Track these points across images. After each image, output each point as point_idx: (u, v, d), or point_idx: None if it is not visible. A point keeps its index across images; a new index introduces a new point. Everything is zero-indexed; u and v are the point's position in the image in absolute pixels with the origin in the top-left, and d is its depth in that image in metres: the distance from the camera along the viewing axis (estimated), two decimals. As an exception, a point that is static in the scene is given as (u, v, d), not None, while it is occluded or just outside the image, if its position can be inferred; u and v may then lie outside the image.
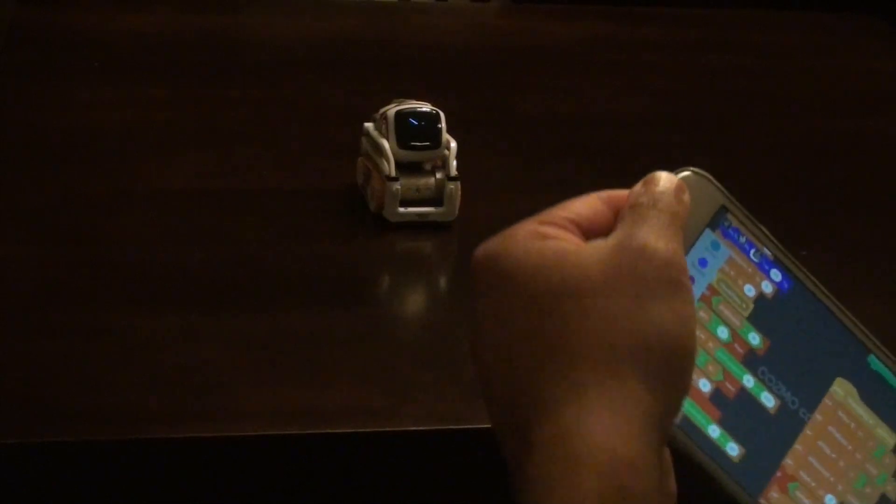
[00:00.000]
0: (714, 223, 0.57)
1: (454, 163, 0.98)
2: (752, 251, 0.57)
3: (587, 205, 0.55)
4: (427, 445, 0.77)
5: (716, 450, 0.55)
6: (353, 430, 0.76)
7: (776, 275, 0.57)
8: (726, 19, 1.64)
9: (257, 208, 1.01)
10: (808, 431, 0.57)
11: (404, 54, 1.41)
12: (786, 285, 0.57)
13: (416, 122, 0.98)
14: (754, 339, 0.56)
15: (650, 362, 0.49)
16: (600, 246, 0.52)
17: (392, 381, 0.81)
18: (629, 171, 1.22)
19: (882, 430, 0.58)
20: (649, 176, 0.55)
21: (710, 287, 0.56)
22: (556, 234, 0.53)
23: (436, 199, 0.99)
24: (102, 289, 0.88)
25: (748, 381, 0.56)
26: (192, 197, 1.02)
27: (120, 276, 0.90)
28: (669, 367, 0.50)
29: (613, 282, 0.50)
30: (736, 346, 0.56)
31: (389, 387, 0.80)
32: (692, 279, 0.55)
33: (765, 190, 1.13)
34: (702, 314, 0.56)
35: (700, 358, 0.55)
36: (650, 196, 0.53)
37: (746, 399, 0.56)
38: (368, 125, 1.01)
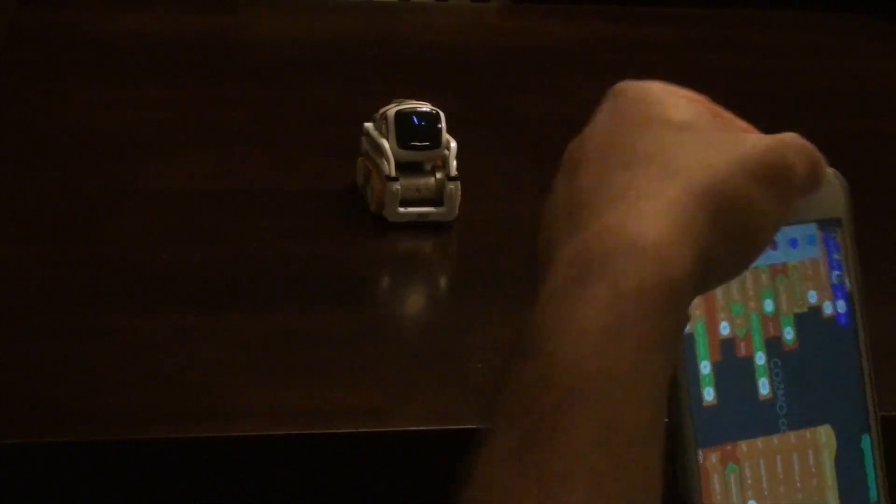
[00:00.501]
0: (823, 225, 0.57)
1: (454, 163, 0.98)
2: (836, 273, 0.58)
3: (733, 115, 0.56)
4: (427, 445, 0.77)
5: (695, 384, 0.54)
6: (353, 430, 0.76)
7: (841, 306, 0.58)
8: (726, 19, 1.64)
9: (257, 208, 1.01)
10: (775, 439, 0.56)
11: (404, 54, 1.41)
12: (843, 320, 0.58)
13: (416, 122, 0.98)
14: (788, 333, 0.56)
15: (726, 219, 0.49)
16: (731, 123, 0.54)
17: (392, 381, 0.81)
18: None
19: (832, 496, 0.57)
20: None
21: (784, 265, 0.56)
22: (700, 99, 0.54)
23: (436, 199, 0.99)
24: (102, 289, 0.88)
25: (759, 358, 0.56)
26: (192, 197, 1.02)
27: (120, 276, 0.90)
28: (739, 237, 0.50)
29: (729, 146, 0.51)
30: (770, 326, 0.56)
31: (389, 387, 0.80)
32: (776, 245, 0.55)
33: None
34: (764, 277, 0.56)
35: (738, 307, 0.55)
36: (797, 135, 0.54)
37: (747, 371, 0.56)
38: (368, 125, 1.01)
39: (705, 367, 0.55)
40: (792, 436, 0.57)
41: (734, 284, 0.55)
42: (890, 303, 0.95)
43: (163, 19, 1.43)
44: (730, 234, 0.49)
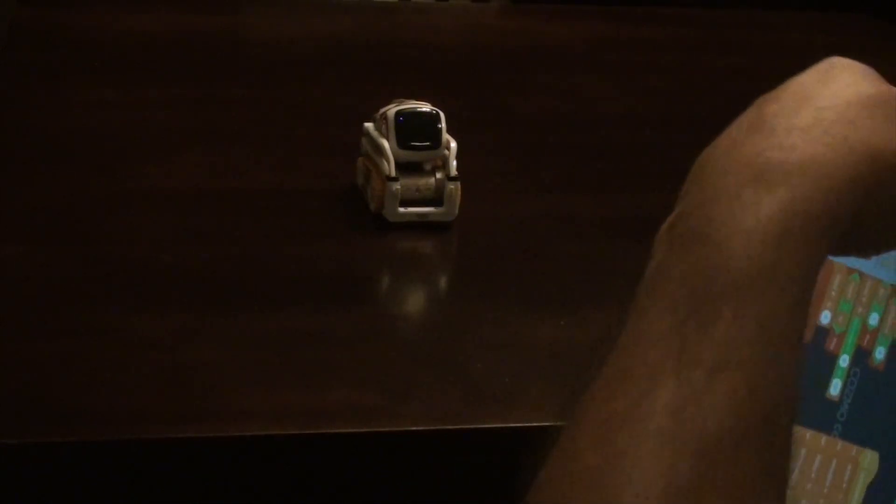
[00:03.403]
0: None
1: (454, 163, 0.98)
2: None
3: None
4: (427, 445, 0.77)
5: None
6: (353, 430, 0.76)
7: None
8: (726, 19, 1.64)
9: (257, 208, 1.01)
10: (823, 440, 0.57)
11: (404, 54, 1.41)
12: None
13: (416, 123, 0.98)
14: (880, 353, 0.57)
15: (885, 194, 0.50)
16: None
17: (392, 381, 0.81)
18: (629, 172, 1.23)
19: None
20: None
21: None
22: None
23: (436, 199, 0.99)
24: (102, 289, 0.88)
25: (843, 361, 0.56)
26: (192, 197, 1.02)
27: (120, 276, 0.90)
28: (888, 215, 0.51)
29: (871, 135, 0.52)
30: (867, 338, 0.56)
31: (389, 387, 0.80)
32: None
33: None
34: (880, 291, 0.56)
35: (846, 305, 0.55)
36: None
37: (827, 365, 0.56)
38: (368, 125, 1.01)
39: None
40: (839, 443, 0.57)
41: (852, 284, 0.55)
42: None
43: (163, 19, 1.43)
44: (888, 208, 0.50)
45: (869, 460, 0.57)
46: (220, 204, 1.02)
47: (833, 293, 0.55)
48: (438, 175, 0.99)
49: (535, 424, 0.76)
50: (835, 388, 0.56)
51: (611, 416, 0.44)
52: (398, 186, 0.97)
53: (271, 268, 0.93)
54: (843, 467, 0.57)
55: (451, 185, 0.98)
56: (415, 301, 0.94)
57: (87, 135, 1.12)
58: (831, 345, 0.55)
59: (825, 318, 0.55)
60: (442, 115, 0.98)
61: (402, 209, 0.98)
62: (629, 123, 1.26)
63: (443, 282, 0.98)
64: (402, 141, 0.97)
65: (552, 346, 0.84)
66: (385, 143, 0.97)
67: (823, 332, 0.55)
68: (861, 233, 0.50)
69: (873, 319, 0.56)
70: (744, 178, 0.49)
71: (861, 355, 0.56)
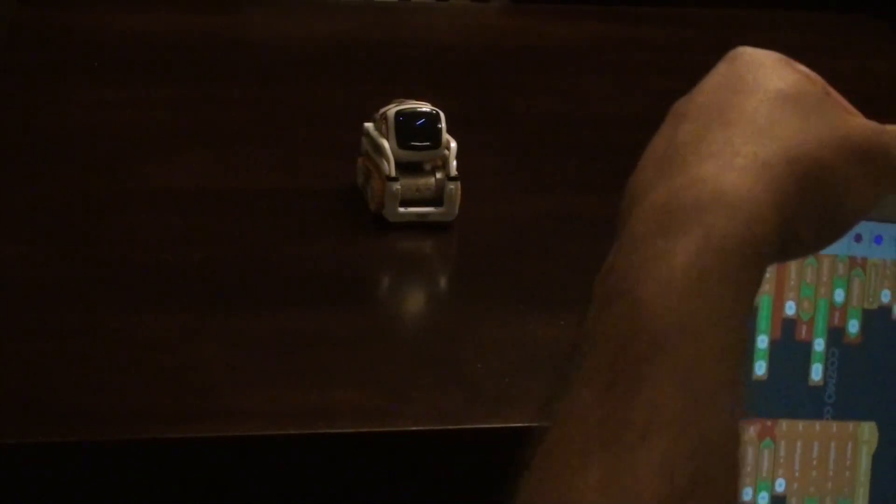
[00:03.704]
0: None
1: (454, 163, 0.98)
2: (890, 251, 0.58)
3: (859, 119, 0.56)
4: (427, 445, 0.77)
5: (749, 355, 0.54)
6: (353, 430, 0.76)
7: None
8: (726, 19, 1.64)
9: (257, 208, 1.01)
10: (817, 426, 0.56)
11: (404, 54, 1.41)
12: None
13: (416, 122, 0.98)
14: (853, 327, 0.56)
15: (815, 193, 0.49)
16: (841, 106, 0.53)
17: (392, 381, 0.81)
18: (629, 172, 1.22)
19: (862, 492, 0.57)
20: None
21: (863, 259, 0.56)
22: (817, 81, 0.54)
23: (436, 199, 0.99)
24: (102, 289, 0.88)
25: (818, 344, 0.56)
26: (192, 197, 1.02)
27: (120, 276, 0.90)
28: (824, 213, 0.50)
29: (833, 123, 0.51)
30: (837, 315, 0.56)
31: (389, 387, 0.80)
32: (860, 237, 0.55)
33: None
34: (840, 267, 0.56)
35: (806, 289, 0.55)
36: None
37: (804, 354, 0.56)
38: (368, 125, 1.01)
39: (762, 342, 0.55)
40: (834, 425, 0.57)
41: (809, 268, 0.55)
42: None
43: (163, 19, 1.43)
44: (817, 207, 0.50)
45: (868, 432, 0.57)
46: (220, 204, 1.02)
47: (792, 282, 0.54)
48: (438, 175, 0.99)
49: (535, 424, 0.76)
50: (816, 373, 0.56)
51: (546, 501, 0.44)
52: (398, 186, 0.97)
53: (271, 268, 0.93)
54: (843, 447, 0.57)
55: (451, 185, 0.98)
56: (415, 301, 0.95)
57: (87, 135, 1.12)
58: (802, 333, 0.55)
59: (790, 308, 0.55)
60: (442, 115, 0.98)
61: (402, 209, 0.98)
62: (629, 123, 1.26)
63: (443, 282, 0.98)
64: (402, 141, 0.97)
65: (552, 346, 0.84)
66: (385, 143, 0.97)
67: (791, 323, 0.55)
68: (798, 238, 0.50)
69: (839, 296, 0.56)
70: (657, 226, 0.47)
71: (835, 334, 0.56)
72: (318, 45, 1.42)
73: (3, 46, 1.30)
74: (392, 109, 0.98)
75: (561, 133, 1.23)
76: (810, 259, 0.56)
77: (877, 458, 0.57)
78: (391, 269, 0.97)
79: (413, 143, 0.98)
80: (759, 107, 0.51)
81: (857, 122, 0.53)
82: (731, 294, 0.46)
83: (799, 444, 0.56)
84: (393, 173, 0.97)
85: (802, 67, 0.55)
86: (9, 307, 0.85)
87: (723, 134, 0.50)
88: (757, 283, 0.47)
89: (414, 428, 0.77)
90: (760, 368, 0.55)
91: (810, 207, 0.49)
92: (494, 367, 0.82)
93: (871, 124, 0.53)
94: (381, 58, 1.39)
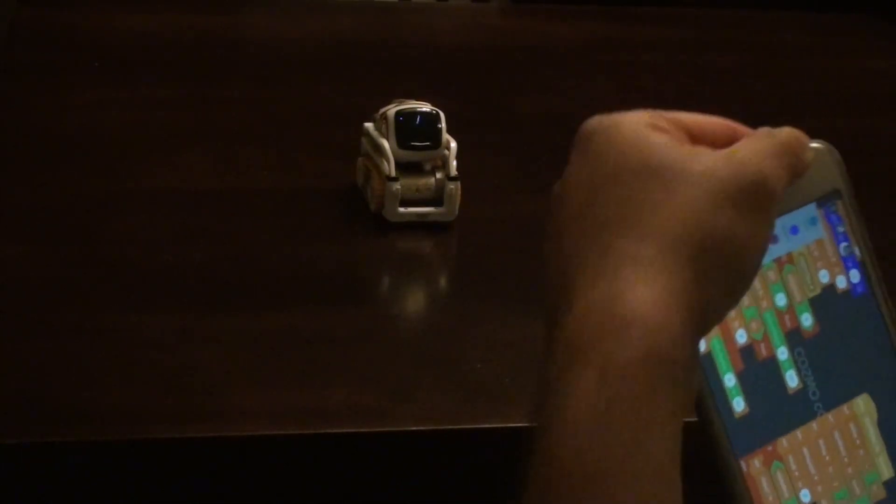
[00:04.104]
0: (822, 201, 0.57)
1: (454, 163, 0.98)
2: (844, 244, 0.57)
3: (707, 120, 0.56)
4: (427, 445, 0.77)
5: (723, 398, 0.54)
6: (353, 430, 0.76)
7: (855, 276, 0.57)
8: (726, 19, 1.64)
9: (257, 208, 1.02)
10: (814, 425, 0.56)
11: (404, 54, 1.41)
12: (859, 289, 0.57)
13: (416, 122, 0.98)
14: (807, 320, 0.56)
15: (710, 260, 0.49)
16: (702, 151, 0.52)
17: (392, 381, 0.81)
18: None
19: (882, 461, 0.57)
20: (782, 127, 0.56)
21: (789, 255, 0.56)
22: (666, 129, 0.54)
23: (436, 199, 0.99)
24: (102, 289, 0.88)
25: (782, 353, 0.56)
26: (192, 197, 1.02)
27: (120, 276, 0.90)
28: (727, 272, 0.50)
29: (700, 179, 0.50)
30: (787, 317, 0.56)
31: (389, 387, 0.80)
32: (776, 238, 0.55)
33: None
34: (770, 274, 0.56)
35: (749, 311, 0.55)
36: (776, 133, 0.54)
37: (772, 368, 0.56)
38: (368, 125, 1.01)
39: (730, 380, 0.55)
40: (830, 416, 0.57)
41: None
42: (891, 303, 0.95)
43: (163, 19, 1.43)
44: (718, 273, 0.49)
45: (863, 405, 0.57)
46: (220, 204, 1.02)
47: (732, 314, 0.54)
48: (438, 175, 0.99)
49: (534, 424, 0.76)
50: (791, 380, 0.56)
51: None
52: (398, 186, 0.97)
53: (271, 268, 0.93)
54: (846, 431, 0.57)
55: (451, 185, 0.98)
56: (415, 301, 0.95)
57: (87, 135, 1.12)
58: (762, 352, 0.55)
59: (741, 336, 0.55)
60: (442, 115, 0.98)
61: (402, 209, 0.98)
62: (629, 123, 1.26)
63: (443, 282, 0.98)
64: (402, 141, 0.97)
65: (552, 346, 0.84)
66: (385, 143, 0.98)
67: (748, 349, 0.55)
68: (714, 310, 0.50)
69: (781, 300, 0.56)
70: (562, 364, 0.47)
71: (793, 336, 0.56)
72: (317, 45, 1.42)
73: (3, 46, 1.30)
74: (392, 109, 0.98)
75: (561, 133, 1.22)
76: None
77: (882, 424, 0.57)
78: (391, 269, 0.97)
79: (413, 143, 0.98)
80: (627, 196, 0.50)
81: (722, 162, 0.51)
82: (643, 415, 0.46)
83: (805, 450, 0.56)
84: (393, 173, 0.97)
85: (651, 119, 0.54)
86: (9, 307, 0.85)
87: (603, 238, 0.50)
88: (678, 384, 0.47)
89: (414, 428, 0.77)
90: (739, 405, 0.55)
91: (712, 277, 0.49)
92: (494, 367, 0.82)
93: (738, 154, 0.52)
94: (381, 58, 1.39)
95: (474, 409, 0.78)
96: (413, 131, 0.98)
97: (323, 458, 0.77)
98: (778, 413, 0.56)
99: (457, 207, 0.99)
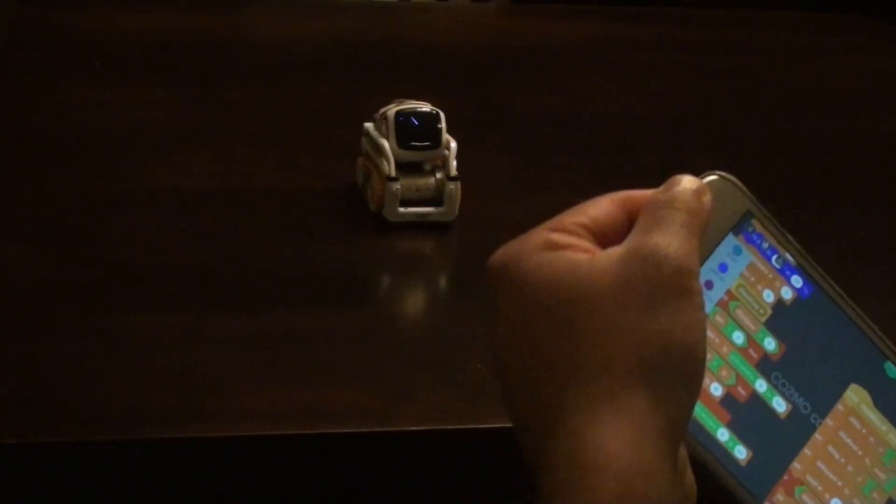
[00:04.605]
0: (738, 228, 0.57)
1: (454, 163, 0.98)
2: (775, 257, 0.57)
3: (601, 209, 0.55)
4: (427, 445, 0.77)
5: (724, 453, 0.55)
6: (353, 430, 0.76)
7: (797, 281, 0.57)
8: (726, 19, 1.64)
9: (257, 208, 1.02)
10: (818, 436, 0.57)
11: (404, 54, 1.41)
12: (806, 291, 0.57)
13: (416, 122, 0.98)
14: (770, 344, 0.56)
15: (659, 371, 0.49)
16: (612, 254, 0.52)
17: (392, 381, 0.81)
18: (629, 171, 1.23)
19: (893, 436, 0.58)
20: (671, 178, 0.55)
21: (728, 292, 0.56)
22: (569, 242, 0.53)
23: (436, 199, 0.99)
24: (102, 289, 0.88)
25: (760, 385, 0.56)
26: (192, 197, 1.02)
27: (120, 276, 0.90)
28: (679, 374, 0.50)
29: (623, 293, 0.50)
30: (751, 350, 0.56)
31: (389, 387, 0.80)
32: (710, 284, 0.55)
33: (764, 189, 1.13)
34: (718, 318, 0.56)
35: (713, 362, 0.55)
36: (668, 196, 0.53)
37: (757, 403, 0.56)
38: (368, 125, 1.01)
39: (723, 434, 0.55)
40: (828, 421, 0.57)
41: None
42: (890, 303, 0.95)
43: (163, 19, 1.43)
44: (673, 380, 0.49)
45: (855, 395, 0.57)
46: (220, 204, 1.02)
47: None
48: (438, 175, 0.99)
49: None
50: (779, 406, 0.56)
51: None
52: (398, 186, 0.97)
53: (271, 268, 0.93)
54: (849, 426, 0.57)
55: (451, 185, 0.98)
56: (415, 301, 0.94)
57: (87, 135, 1.12)
58: (742, 393, 0.55)
59: (716, 389, 0.55)
60: (442, 115, 0.98)
61: (402, 209, 0.98)
62: (629, 123, 1.26)
63: (443, 282, 0.98)
64: (402, 141, 0.97)
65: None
66: (385, 143, 0.98)
67: (728, 398, 0.55)
68: (676, 412, 0.50)
69: (738, 339, 0.56)
70: None
71: (764, 365, 0.56)
72: (318, 45, 1.42)
73: (3, 46, 1.30)
74: (392, 109, 0.98)
75: (561, 133, 1.23)
76: None
77: (879, 404, 0.58)
78: (391, 269, 0.97)
79: (413, 143, 0.98)
80: (561, 335, 0.50)
81: (623, 265, 0.51)
82: None
83: (819, 464, 0.56)
84: (393, 173, 0.97)
85: (541, 240, 0.53)
86: (9, 307, 0.85)
87: (552, 392, 0.49)
88: (670, 497, 0.48)
89: (414, 428, 0.77)
90: (741, 453, 0.55)
91: (671, 388, 0.49)
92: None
93: (630, 251, 0.52)
94: (381, 58, 1.39)
95: (474, 409, 0.78)
96: (413, 131, 0.98)
97: (323, 458, 0.77)
98: (780, 443, 0.56)
99: (457, 207, 0.99)
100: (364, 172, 1.02)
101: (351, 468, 0.77)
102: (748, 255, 0.57)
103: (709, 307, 0.55)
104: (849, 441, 0.57)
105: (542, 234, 0.53)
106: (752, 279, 0.57)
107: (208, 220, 0.99)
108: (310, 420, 0.76)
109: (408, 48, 1.44)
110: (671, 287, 0.50)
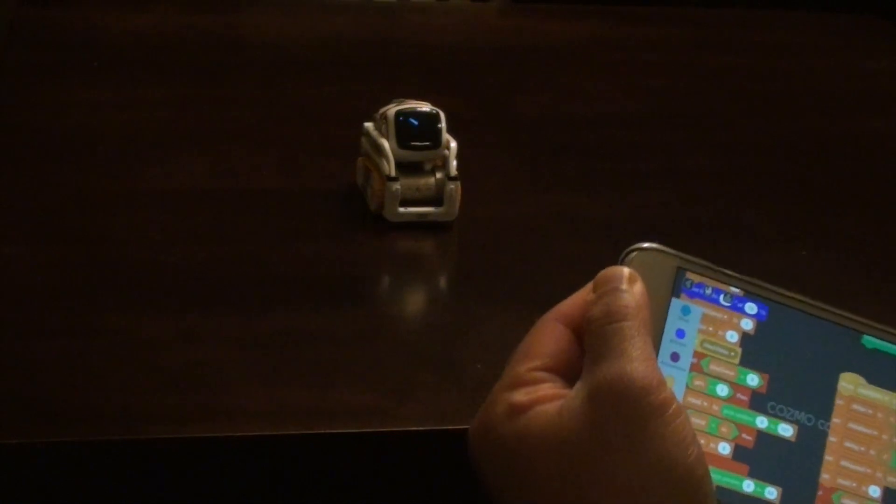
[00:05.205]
0: (677, 289, 0.57)
1: (454, 163, 0.98)
2: (722, 297, 0.57)
3: (547, 341, 0.54)
4: (427, 445, 0.77)
5: (756, 501, 0.55)
6: (353, 430, 0.76)
7: (751, 308, 0.57)
8: (726, 19, 1.64)
9: (257, 208, 1.02)
10: (832, 439, 0.57)
11: (404, 54, 1.41)
12: (763, 313, 0.57)
13: (416, 122, 0.98)
14: (753, 380, 0.57)
15: (664, 497, 0.49)
16: (578, 398, 0.51)
17: (392, 381, 0.81)
18: (629, 171, 1.23)
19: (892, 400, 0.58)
20: (597, 278, 0.55)
21: (695, 353, 0.56)
22: (533, 397, 0.52)
23: (436, 199, 0.99)
24: (102, 289, 0.88)
25: (761, 422, 0.56)
26: (192, 197, 1.02)
27: (120, 276, 0.90)
28: (684, 489, 0.50)
29: (602, 436, 0.50)
30: (738, 395, 0.56)
31: (389, 387, 0.80)
32: (676, 355, 0.55)
33: (764, 189, 1.13)
34: (697, 383, 0.56)
35: (710, 425, 0.55)
36: (604, 308, 0.53)
37: (766, 441, 0.56)
38: (368, 125, 1.01)
39: (748, 486, 0.55)
40: (835, 419, 0.57)
41: (690, 412, 0.55)
42: (890, 303, 0.95)
43: (163, 19, 1.43)
44: (681, 500, 0.50)
45: (849, 384, 0.58)
46: (220, 204, 1.02)
47: (703, 441, 0.55)
48: (438, 175, 0.99)
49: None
50: (786, 431, 0.56)
51: None
52: (398, 186, 0.97)
53: (271, 268, 0.93)
54: (856, 414, 0.57)
55: (451, 185, 0.98)
56: (415, 301, 0.94)
57: (87, 135, 1.12)
58: (748, 438, 0.56)
59: (724, 448, 0.55)
60: (442, 115, 0.98)
61: (402, 209, 0.98)
62: (629, 123, 1.26)
63: (443, 282, 0.98)
64: (402, 141, 0.97)
65: (552, 346, 0.84)
66: (385, 143, 0.98)
67: (738, 449, 0.56)
68: None
69: (722, 391, 0.56)
70: None
71: (757, 402, 0.56)
72: (318, 45, 1.42)
73: (3, 46, 1.30)
74: (392, 109, 0.98)
75: (561, 133, 1.23)
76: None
77: (872, 381, 0.58)
78: (391, 269, 0.97)
79: (413, 143, 0.98)
80: (556, 498, 0.50)
81: (572, 407, 0.51)
82: None
83: (844, 463, 0.56)
84: (393, 173, 0.97)
85: (505, 396, 0.54)
86: (9, 307, 0.85)
87: None
88: None
89: (414, 428, 0.77)
90: (772, 494, 0.56)
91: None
92: (494, 367, 0.82)
93: (588, 395, 0.52)
94: (381, 58, 1.39)
95: (474, 409, 0.78)
96: (413, 131, 0.98)
97: (323, 458, 0.77)
98: (801, 464, 0.56)
99: (457, 207, 0.99)
100: (364, 172, 1.02)
101: (351, 468, 0.77)
102: (698, 309, 0.57)
103: (684, 377, 0.55)
104: (861, 428, 0.57)
105: (504, 399, 0.53)
106: (711, 328, 0.56)
107: (208, 220, 0.99)
108: (310, 420, 0.76)
109: (408, 48, 1.44)
110: (645, 411, 0.50)
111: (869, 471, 0.57)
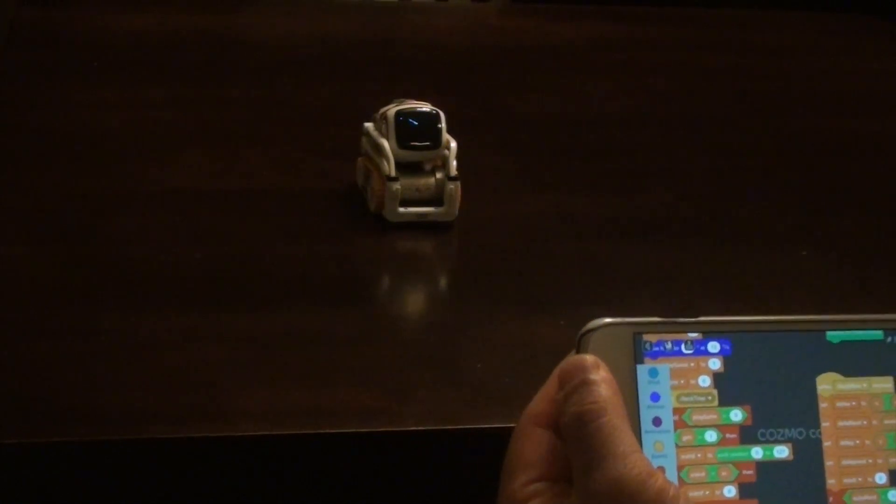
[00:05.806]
0: (638, 356, 0.56)
1: (454, 163, 0.98)
2: (683, 346, 0.57)
3: (532, 448, 0.54)
4: (427, 445, 0.77)
5: None
6: (353, 430, 0.76)
7: (714, 346, 0.57)
8: (726, 19, 1.64)
9: (257, 208, 1.02)
10: (826, 443, 0.57)
11: (404, 54, 1.41)
12: (727, 348, 0.57)
13: (416, 122, 0.98)
14: (737, 415, 0.56)
15: None
16: None
17: (392, 381, 0.81)
18: (629, 172, 1.23)
19: (878, 384, 0.58)
20: (560, 373, 0.54)
21: (674, 410, 0.56)
22: (531, 496, 0.52)
23: (436, 199, 0.99)
24: (102, 289, 0.88)
25: (756, 452, 0.56)
26: (192, 197, 1.02)
27: (120, 276, 0.90)
28: None
29: None
30: (727, 436, 0.56)
31: (389, 387, 0.80)
32: (658, 420, 0.55)
33: (764, 190, 1.13)
34: (685, 438, 0.56)
35: (710, 474, 0.55)
36: (576, 409, 0.52)
37: (767, 469, 0.56)
38: (368, 125, 1.01)
39: None
40: (824, 423, 0.57)
41: (687, 469, 0.55)
42: (889, 303, 0.95)
43: (163, 19, 1.43)
44: None
45: (827, 382, 0.58)
46: (220, 204, 1.02)
47: (701, 493, 0.55)
48: (438, 175, 0.99)
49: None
50: (781, 453, 0.56)
51: None
52: (398, 186, 0.97)
53: (271, 268, 0.93)
54: (844, 412, 0.57)
55: (451, 185, 0.98)
56: (415, 301, 0.94)
57: (87, 135, 1.12)
58: (748, 472, 0.56)
59: (730, 491, 0.56)
60: (442, 115, 0.98)
61: (402, 209, 0.98)
62: (629, 123, 1.26)
63: (443, 282, 0.98)
64: (402, 141, 0.97)
65: (552, 346, 0.84)
66: (385, 143, 0.97)
67: (741, 486, 0.56)
68: None
69: (711, 437, 0.56)
70: None
71: (746, 435, 0.56)
72: (318, 45, 1.42)
73: (3, 46, 1.30)
74: (392, 109, 0.98)
75: (561, 133, 1.23)
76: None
77: (847, 374, 0.58)
78: (391, 269, 0.97)
79: (413, 143, 0.98)
80: None
81: None
82: None
83: (845, 462, 0.57)
84: (393, 173, 0.97)
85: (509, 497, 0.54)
86: (9, 307, 0.85)
87: None
88: None
89: (414, 428, 0.77)
90: None
91: None
92: (494, 367, 0.82)
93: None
94: (381, 58, 1.39)
95: (474, 409, 0.78)
96: (413, 131, 0.98)
97: (323, 458, 0.77)
98: (805, 479, 0.56)
99: (457, 207, 0.99)
100: (364, 172, 1.02)
101: (351, 468, 0.77)
102: (664, 367, 0.56)
103: (671, 437, 0.55)
104: (850, 423, 0.57)
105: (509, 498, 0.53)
106: (682, 381, 0.56)
107: (208, 220, 0.99)
108: (310, 420, 0.76)
109: (408, 48, 1.44)
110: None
111: (870, 460, 0.57)
